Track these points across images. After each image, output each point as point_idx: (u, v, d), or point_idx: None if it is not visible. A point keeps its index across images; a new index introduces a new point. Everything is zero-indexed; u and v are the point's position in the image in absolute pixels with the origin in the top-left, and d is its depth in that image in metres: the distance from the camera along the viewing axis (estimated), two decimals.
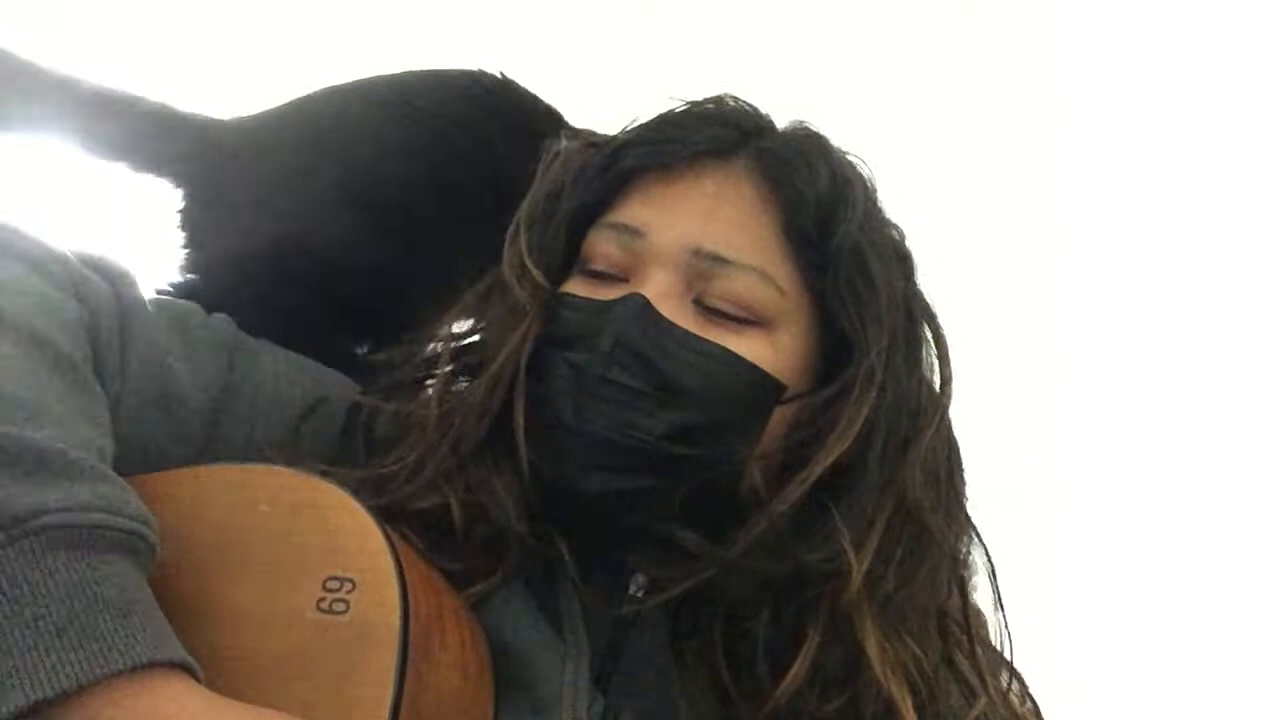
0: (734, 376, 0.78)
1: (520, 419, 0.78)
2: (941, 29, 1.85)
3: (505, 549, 0.78)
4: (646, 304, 0.78)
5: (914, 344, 0.82)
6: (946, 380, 0.83)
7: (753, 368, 0.78)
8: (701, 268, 0.79)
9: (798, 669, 0.74)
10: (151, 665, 0.58)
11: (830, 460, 0.77)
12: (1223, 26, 1.88)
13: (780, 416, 0.80)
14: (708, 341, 0.78)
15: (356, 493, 0.70)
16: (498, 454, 0.80)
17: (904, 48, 1.81)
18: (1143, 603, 1.81)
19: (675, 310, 0.78)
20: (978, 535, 0.83)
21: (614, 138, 0.86)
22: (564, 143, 0.87)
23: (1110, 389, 1.87)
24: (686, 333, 0.78)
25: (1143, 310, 1.90)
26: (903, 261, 0.84)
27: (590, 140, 0.87)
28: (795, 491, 0.77)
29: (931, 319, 0.84)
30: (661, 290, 0.79)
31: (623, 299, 0.79)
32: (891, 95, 1.75)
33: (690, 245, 0.79)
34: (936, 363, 0.83)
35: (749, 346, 0.79)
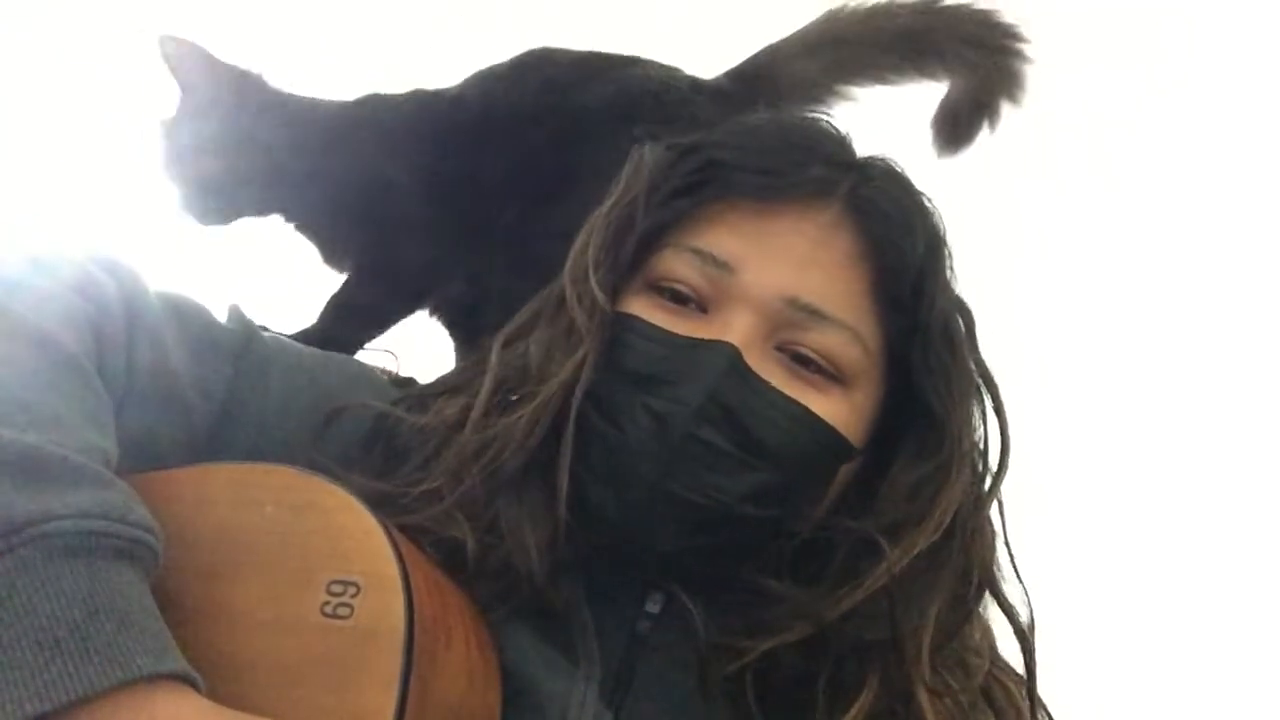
0: (813, 439, 0.76)
1: (568, 456, 0.75)
2: None
3: (515, 589, 0.75)
4: (739, 356, 0.75)
5: (976, 415, 0.81)
6: (1006, 448, 0.80)
7: (832, 431, 0.76)
8: (794, 318, 0.76)
9: (854, 715, 0.73)
10: (152, 678, 0.57)
11: (935, 537, 0.75)
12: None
13: (839, 472, 0.79)
14: (795, 403, 0.75)
15: (378, 506, 0.69)
16: (534, 494, 0.76)
17: None
18: (1121, 609, 1.81)
19: (759, 359, 0.76)
20: (1023, 586, 0.80)
21: (697, 146, 0.82)
22: (646, 148, 0.83)
23: (1081, 394, 1.87)
24: (775, 391, 0.75)
25: (1114, 315, 1.90)
26: (966, 321, 0.82)
27: (671, 144, 0.83)
28: (899, 561, 0.74)
29: (993, 387, 0.82)
30: (748, 337, 0.75)
31: (711, 345, 0.75)
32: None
33: (785, 293, 0.76)
34: (998, 431, 0.81)
35: (830, 406, 0.77)
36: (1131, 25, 1.89)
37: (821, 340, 0.76)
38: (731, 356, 0.75)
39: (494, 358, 0.82)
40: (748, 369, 0.75)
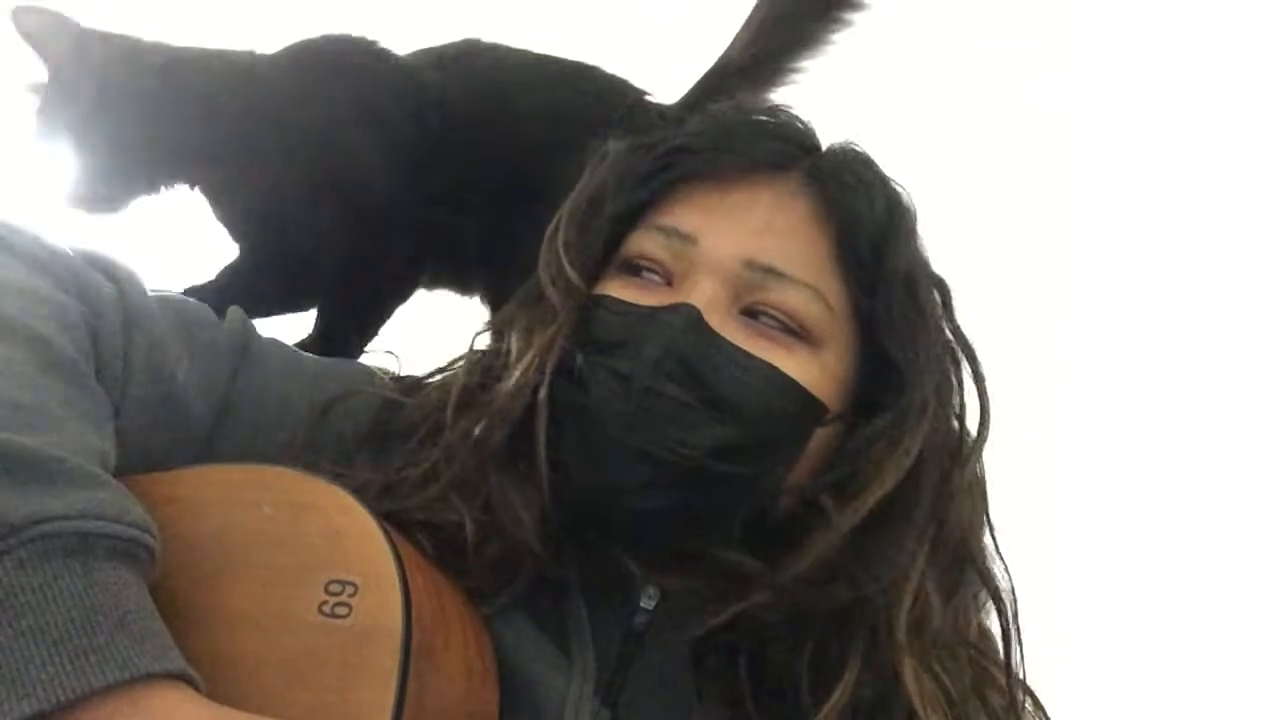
0: (780, 395, 0.76)
1: (543, 424, 0.76)
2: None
3: (515, 570, 0.76)
4: (698, 315, 0.76)
5: (953, 380, 0.81)
6: (986, 415, 0.80)
7: (799, 387, 0.77)
8: (753, 279, 0.78)
9: (837, 699, 0.73)
10: (150, 677, 0.57)
11: (886, 490, 0.76)
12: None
13: (818, 438, 0.79)
14: (757, 358, 0.76)
15: (377, 496, 0.69)
16: (519, 466, 0.78)
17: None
18: (1143, 611, 1.81)
19: (723, 321, 0.77)
20: (1004, 566, 0.81)
21: (663, 139, 0.84)
22: (611, 143, 0.86)
23: (1081, 392, 1.87)
24: (736, 348, 0.76)
25: (1150, 314, 1.90)
26: (943, 294, 0.84)
27: (637, 141, 0.85)
28: (850, 519, 0.75)
29: (972, 357, 0.83)
30: (710, 299, 0.77)
31: (673, 307, 0.77)
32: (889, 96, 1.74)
33: (743, 256, 0.78)
34: (977, 398, 0.81)
35: (796, 364, 0.77)
36: (1131, 25, 1.89)
37: (781, 299, 0.78)
38: (690, 315, 0.76)
39: (476, 344, 0.85)
40: (707, 327, 0.76)
